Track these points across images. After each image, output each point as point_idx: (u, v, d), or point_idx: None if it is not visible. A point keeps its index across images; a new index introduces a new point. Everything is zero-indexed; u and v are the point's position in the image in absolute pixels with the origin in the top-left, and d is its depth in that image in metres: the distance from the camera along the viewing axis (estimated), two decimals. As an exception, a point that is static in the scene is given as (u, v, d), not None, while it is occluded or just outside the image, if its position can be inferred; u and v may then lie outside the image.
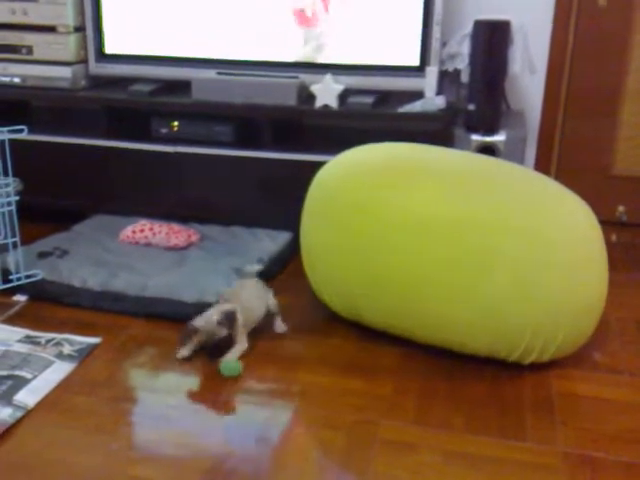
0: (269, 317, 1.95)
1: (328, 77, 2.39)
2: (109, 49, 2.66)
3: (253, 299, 1.89)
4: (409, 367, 1.78)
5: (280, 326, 1.95)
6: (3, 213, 2.03)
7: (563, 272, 1.64)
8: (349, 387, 1.69)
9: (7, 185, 2.03)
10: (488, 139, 2.29)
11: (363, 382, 1.71)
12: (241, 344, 1.80)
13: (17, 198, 2.06)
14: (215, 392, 1.66)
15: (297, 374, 1.75)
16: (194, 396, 1.66)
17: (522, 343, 1.68)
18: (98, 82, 2.71)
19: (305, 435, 1.52)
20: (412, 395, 1.66)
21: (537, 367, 1.76)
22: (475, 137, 2.29)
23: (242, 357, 1.79)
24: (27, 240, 2.27)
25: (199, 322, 1.76)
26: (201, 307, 1.98)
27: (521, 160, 2.33)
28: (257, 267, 2.03)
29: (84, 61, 2.65)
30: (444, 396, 1.66)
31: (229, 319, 1.76)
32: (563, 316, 1.66)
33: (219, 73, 2.56)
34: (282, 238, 2.47)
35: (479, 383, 1.72)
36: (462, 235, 1.67)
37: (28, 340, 1.85)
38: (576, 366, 1.79)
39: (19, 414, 1.56)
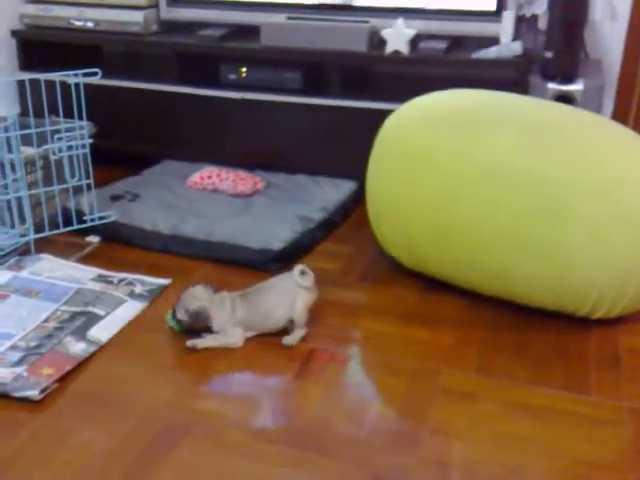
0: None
1: (400, 21, 2.33)
2: (180, -7, 2.66)
3: (274, 304, 1.67)
4: (473, 318, 1.77)
5: (290, 338, 1.66)
6: (78, 156, 2.08)
7: (636, 228, 1.59)
8: (411, 336, 1.69)
9: (81, 128, 2.08)
10: (565, 88, 2.21)
11: (425, 331, 1.71)
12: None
13: (91, 141, 2.11)
14: (278, 336, 1.69)
15: (360, 322, 1.76)
16: (257, 339, 1.69)
17: (591, 298, 1.64)
18: (169, 27, 2.72)
19: (366, 381, 1.54)
20: (475, 345, 1.65)
21: (605, 322, 1.72)
22: (551, 85, 2.21)
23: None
24: (100, 183, 2.32)
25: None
26: (266, 253, 2.01)
27: (598, 110, 2.24)
28: (307, 278, 1.71)
29: (155, 5, 2.66)
30: (508, 347, 1.65)
31: (195, 317, 1.64)
32: (634, 272, 1.61)
33: (289, 18, 2.53)
34: (346, 187, 2.46)
35: (545, 336, 1.69)
36: (536, 187, 1.63)
37: (101, 279, 1.92)
38: (646, 323, 1.75)
39: (92, 349, 1.62)
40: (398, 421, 1.41)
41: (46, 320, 1.72)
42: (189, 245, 2.10)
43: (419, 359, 1.60)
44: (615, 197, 1.60)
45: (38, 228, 2.06)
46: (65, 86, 2.03)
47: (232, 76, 2.56)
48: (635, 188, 1.61)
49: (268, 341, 1.67)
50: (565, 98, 2.20)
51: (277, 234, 2.10)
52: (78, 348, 1.62)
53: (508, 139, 1.71)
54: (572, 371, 1.56)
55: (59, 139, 2.03)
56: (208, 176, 2.48)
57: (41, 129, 2.03)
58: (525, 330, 1.72)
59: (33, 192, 2.05)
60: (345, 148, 2.46)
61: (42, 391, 1.46)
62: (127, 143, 2.70)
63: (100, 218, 2.15)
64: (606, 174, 1.62)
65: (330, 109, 2.45)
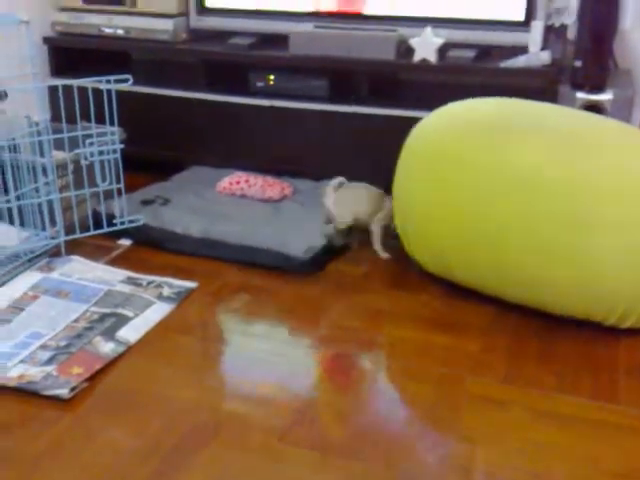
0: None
1: (428, 30, 2.35)
2: (209, 2, 2.69)
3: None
4: (499, 326, 1.77)
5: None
6: (108, 160, 2.12)
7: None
8: (437, 342, 1.69)
9: (112, 133, 2.11)
10: (594, 97, 2.20)
11: (451, 338, 1.71)
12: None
13: (121, 146, 2.14)
14: (303, 340, 1.70)
15: (385, 327, 1.77)
16: (282, 343, 1.70)
17: (620, 307, 1.63)
18: (198, 35, 2.76)
19: (390, 386, 1.54)
20: (502, 353, 1.65)
21: (634, 332, 1.70)
22: (580, 95, 2.20)
23: (329, 308, 1.82)
24: (129, 188, 2.35)
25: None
26: (295, 259, 2.02)
27: (627, 119, 2.23)
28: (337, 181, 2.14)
29: (185, 14, 2.70)
30: (535, 356, 1.64)
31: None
32: (665, 281, 1.60)
33: (317, 26, 2.55)
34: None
35: (572, 345, 1.68)
36: (566, 195, 1.63)
37: (130, 281, 1.94)
38: (675, 333, 1.73)
39: (121, 349, 1.64)
40: (424, 427, 1.41)
41: (76, 320, 1.75)
42: (220, 248, 2.12)
43: (444, 365, 1.60)
44: (643, 204, 1.59)
45: (69, 231, 2.09)
46: (97, 92, 2.06)
47: (260, 84, 2.59)
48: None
49: (294, 343, 1.68)
50: (594, 108, 2.19)
51: (305, 239, 2.11)
52: (107, 348, 1.64)
53: (537, 147, 1.71)
54: (600, 380, 1.55)
55: (90, 144, 2.07)
56: (237, 182, 2.50)
57: (73, 134, 2.07)
58: (552, 338, 1.71)
59: (64, 195, 2.08)
60: (372, 155, 2.47)
61: (72, 390, 1.49)
62: (156, 149, 2.73)
63: (130, 222, 2.18)
64: (634, 180, 1.62)
65: (358, 117, 2.46)
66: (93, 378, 1.54)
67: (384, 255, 2.11)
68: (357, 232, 2.16)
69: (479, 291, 1.86)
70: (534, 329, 1.75)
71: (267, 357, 1.64)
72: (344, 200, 2.11)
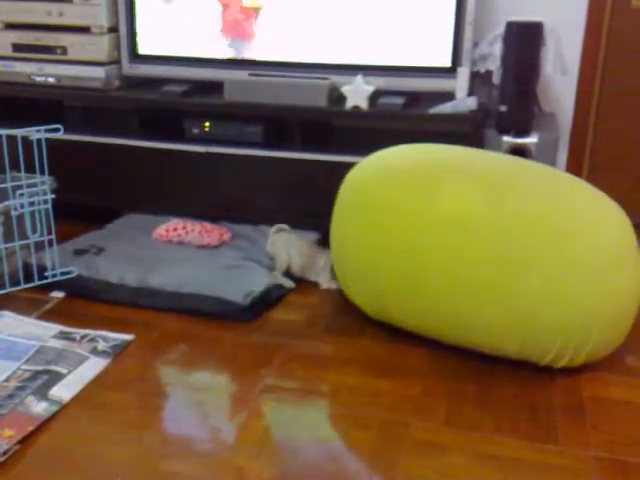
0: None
1: (359, 78, 2.40)
2: (142, 50, 2.69)
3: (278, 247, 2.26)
4: (438, 368, 1.79)
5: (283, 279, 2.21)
6: (39, 211, 2.07)
7: (596, 275, 1.63)
8: (378, 387, 1.70)
9: (43, 183, 2.07)
10: (520, 141, 2.28)
11: (392, 383, 1.72)
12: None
13: (52, 196, 2.10)
14: (245, 390, 1.68)
15: (328, 374, 1.76)
16: (224, 394, 1.67)
17: (554, 346, 1.67)
18: (131, 82, 2.75)
19: (334, 434, 1.53)
20: (442, 396, 1.66)
21: (569, 371, 1.75)
22: (506, 139, 2.28)
23: (270, 356, 1.81)
24: (62, 238, 2.31)
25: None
26: (234, 305, 2.01)
27: (553, 163, 2.32)
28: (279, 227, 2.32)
29: (117, 61, 2.69)
30: (474, 398, 1.66)
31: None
32: (596, 319, 1.65)
33: (251, 74, 2.57)
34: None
35: (509, 385, 1.71)
36: (495, 235, 1.67)
37: (63, 336, 1.89)
38: (609, 370, 1.78)
39: (54, 408, 1.59)
40: (368, 475, 1.40)
41: (7, 380, 1.68)
42: (157, 297, 2.09)
43: (387, 411, 1.60)
44: (572, 243, 1.64)
45: (-2, 285, 2.03)
46: (27, 141, 2.03)
47: (196, 130, 2.59)
48: (590, 235, 1.66)
49: (236, 395, 1.66)
50: (520, 151, 2.27)
51: (245, 284, 2.10)
52: (40, 408, 1.58)
53: (464, 190, 1.75)
54: (538, 420, 1.58)
55: (21, 195, 2.02)
56: (174, 228, 2.48)
57: (2, 185, 2.02)
58: (490, 379, 1.74)
59: (-7, 248, 2.03)
60: (308, 200, 2.49)
61: (3, 454, 1.42)
62: (91, 197, 2.69)
63: (63, 273, 2.13)
64: (559, 222, 1.67)
65: (293, 162, 2.48)
66: (26, 440, 1.48)
67: (332, 285, 2.19)
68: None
69: (418, 333, 1.88)
70: (472, 370, 1.77)
71: (208, 411, 1.61)
72: (280, 243, 2.25)
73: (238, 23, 2.58)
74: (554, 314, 1.65)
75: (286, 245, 2.24)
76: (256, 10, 2.55)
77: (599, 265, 1.64)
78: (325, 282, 2.21)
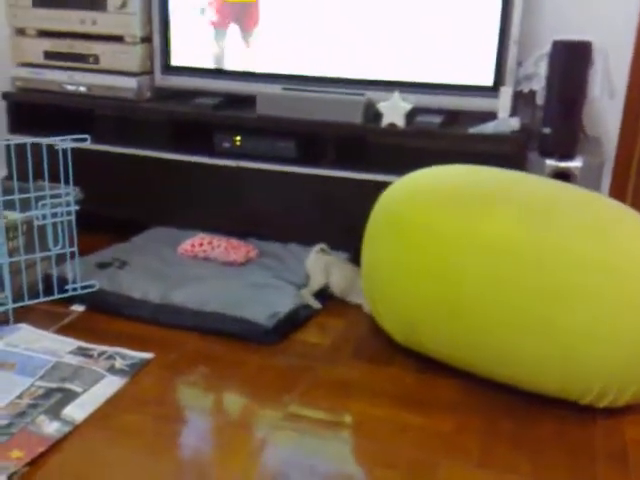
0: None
1: (396, 95, 2.32)
2: (175, 61, 2.65)
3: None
4: (471, 403, 1.68)
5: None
6: (62, 222, 2.02)
7: (644, 310, 1.53)
8: (407, 421, 1.60)
9: (67, 194, 2.02)
10: (563, 164, 2.18)
11: (422, 417, 1.62)
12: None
13: (77, 208, 2.05)
14: (266, 417, 1.59)
15: (353, 405, 1.67)
16: (244, 421, 1.59)
17: (596, 385, 1.56)
18: (163, 94, 2.70)
19: (358, 471, 1.44)
20: (474, 434, 1.56)
21: (610, 411, 1.63)
22: (550, 162, 2.18)
23: (294, 381, 1.73)
24: (86, 250, 2.25)
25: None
26: (257, 326, 1.93)
27: (597, 188, 2.21)
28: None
29: (150, 72, 2.65)
30: (509, 437, 1.55)
31: None
32: (643, 359, 1.54)
33: (284, 89, 2.51)
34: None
35: (547, 425, 1.60)
36: (537, 264, 1.57)
37: (80, 352, 1.82)
38: (653, 412, 1.66)
39: (66, 429, 1.52)
40: (393, 518, 1.31)
41: (20, 396, 1.62)
42: (179, 314, 2.02)
43: (416, 448, 1.50)
44: (623, 278, 1.54)
45: (18, 296, 1.98)
46: (53, 151, 1.98)
47: (226, 144, 2.53)
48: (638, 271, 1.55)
49: (256, 422, 1.57)
50: (563, 175, 2.17)
51: (270, 306, 2.02)
52: (52, 428, 1.51)
53: (506, 215, 1.66)
54: (577, 465, 1.47)
55: (43, 205, 1.97)
56: (200, 243, 2.41)
57: (24, 195, 1.97)
58: (526, 418, 1.63)
59: (14, 259, 1.97)
60: (339, 219, 2.41)
61: (10, 476, 1.36)
62: (117, 209, 2.64)
63: (84, 287, 2.07)
64: (607, 249, 1.57)
65: (324, 179, 2.41)
66: (35, 462, 1.41)
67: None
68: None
69: (451, 365, 1.78)
70: (507, 406, 1.67)
71: (226, 438, 1.52)
72: (321, 263, 2.18)
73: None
74: (598, 351, 1.54)
75: (327, 267, 2.18)
76: None
77: (648, 301, 1.53)
78: (367, 305, 2.11)
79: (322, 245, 2.24)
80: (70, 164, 2.00)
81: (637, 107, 2.54)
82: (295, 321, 2.02)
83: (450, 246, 1.69)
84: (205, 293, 2.09)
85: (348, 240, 2.25)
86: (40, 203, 1.97)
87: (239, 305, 2.02)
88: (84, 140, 1.98)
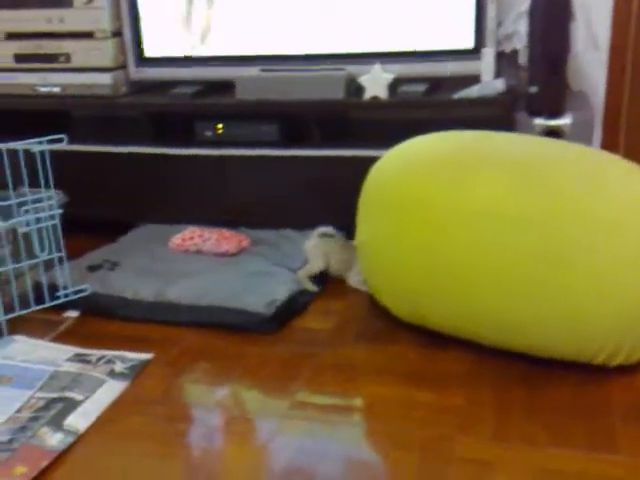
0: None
1: (377, 67, 2.26)
2: (149, 52, 2.58)
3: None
4: (481, 374, 1.64)
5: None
6: (47, 228, 1.96)
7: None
8: (418, 399, 1.56)
9: (49, 198, 1.96)
10: (553, 123, 2.13)
11: (432, 393, 1.58)
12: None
13: (60, 211, 1.99)
14: (274, 408, 1.56)
15: (361, 387, 1.63)
16: (251, 413, 1.55)
17: (608, 343, 1.53)
18: (139, 87, 2.64)
19: (373, 456, 1.41)
20: (487, 406, 1.52)
21: (626, 369, 1.60)
22: (539, 121, 2.13)
23: (299, 368, 1.69)
24: (74, 254, 2.20)
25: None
26: (255, 315, 1.89)
27: (589, 143, 2.17)
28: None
29: (124, 66, 2.58)
30: (523, 406, 1.52)
31: None
32: (652, 313, 1.50)
33: (263, 70, 2.45)
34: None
35: (561, 390, 1.57)
36: (535, 228, 1.53)
37: (78, 359, 1.78)
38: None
39: (70, 440, 1.48)
40: (412, 500, 1.27)
41: (19, 410, 1.58)
42: (175, 311, 1.97)
43: (428, 426, 1.47)
44: (622, 233, 1.50)
45: (9, 308, 1.93)
46: (31, 155, 1.92)
47: (208, 133, 2.47)
48: (636, 224, 1.51)
49: (265, 413, 1.54)
50: (554, 133, 2.12)
51: (268, 294, 1.97)
52: (55, 440, 1.47)
53: (502, 179, 1.61)
54: (594, 429, 1.43)
55: (26, 211, 1.92)
56: (190, 237, 2.37)
57: (6, 202, 1.91)
58: (539, 384, 1.59)
59: (2, 270, 1.92)
60: (330, 199, 2.36)
61: (15, 494, 1.32)
62: (102, 209, 2.58)
63: (76, 292, 2.02)
64: (610, 208, 1.53)
65: (311, 160, 2.36)
66: (39, 476, 1.37)
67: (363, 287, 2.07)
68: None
69: (456, 337, 1.74)
70: (518, 375, 1.63)
71: (237, 432, 1.49)
72: (321, 248, 2.14)
73: None
74: (603, 309, 1.50)
75: (327, 253, 2.13)
76: None
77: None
78: (359, 284, 2.08)
79: (326, 229, 2.18)
80: (49, 167, 1.94)
81: (622, 57, 2.49)
82: (294, 307, 1.98)
83: (444, 215, 1.65)
84: (200, 287, 2.05)
85: (341, 219, 2.20)
86: (22, 209, 1.92)
87: (235, 296, 1.97)
88: (60, 141, 1.92)
